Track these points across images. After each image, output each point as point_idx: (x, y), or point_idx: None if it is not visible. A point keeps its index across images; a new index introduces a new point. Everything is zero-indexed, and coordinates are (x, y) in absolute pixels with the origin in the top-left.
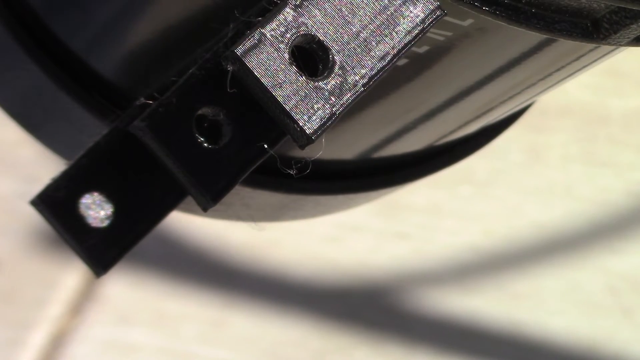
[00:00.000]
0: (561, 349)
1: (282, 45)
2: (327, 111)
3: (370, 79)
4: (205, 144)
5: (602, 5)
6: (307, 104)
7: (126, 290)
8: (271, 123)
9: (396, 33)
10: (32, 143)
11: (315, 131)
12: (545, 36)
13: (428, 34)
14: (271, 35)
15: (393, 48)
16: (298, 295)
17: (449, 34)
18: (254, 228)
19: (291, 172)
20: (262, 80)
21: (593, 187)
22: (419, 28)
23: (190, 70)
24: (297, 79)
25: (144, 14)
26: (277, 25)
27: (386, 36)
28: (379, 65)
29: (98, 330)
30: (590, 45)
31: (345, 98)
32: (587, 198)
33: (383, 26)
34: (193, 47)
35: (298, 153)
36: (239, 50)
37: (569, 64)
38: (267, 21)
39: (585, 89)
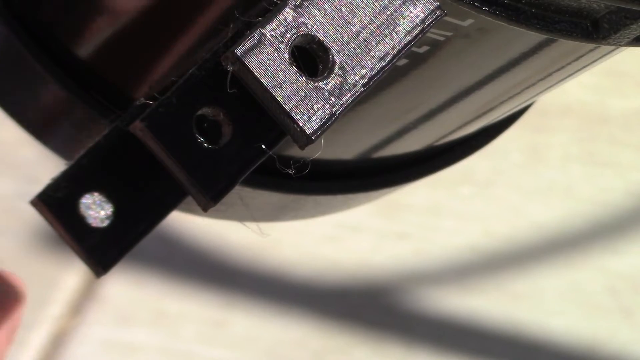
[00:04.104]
0: (561, 349)
1: (282, 46)
2: (327, 111)
3: (370, 79)
4: (205, 144)
5: (602, 5)
6: (307, 104)
7: (126, 290)
8: (271, 123)
9: (396, 33)
10: (32, 143)
11: (315, 131)
12: (545, 36)
13: (428, 34)
14: (271, 36)
15: (393, 48)
16: (298, 295)
17: (449, 34)
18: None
19: (289, 172)
20: (262, 80)
21: (593, 187)
22: (419, 28)
23: (190, 71)
24: (297, 79)
25: (144, 14)
26: (277, 25)
27: (386, 36)
28: (379, 65)
29: (98, 330)
30: (590, 45)
31: (345, 98)
32: (587, 198)
33: (383, 26)
34: (193, 47)
35: (297, 153)
36: (239, 51)
37: (569, 64)
38: (267, 21)
39: (586, 89)
